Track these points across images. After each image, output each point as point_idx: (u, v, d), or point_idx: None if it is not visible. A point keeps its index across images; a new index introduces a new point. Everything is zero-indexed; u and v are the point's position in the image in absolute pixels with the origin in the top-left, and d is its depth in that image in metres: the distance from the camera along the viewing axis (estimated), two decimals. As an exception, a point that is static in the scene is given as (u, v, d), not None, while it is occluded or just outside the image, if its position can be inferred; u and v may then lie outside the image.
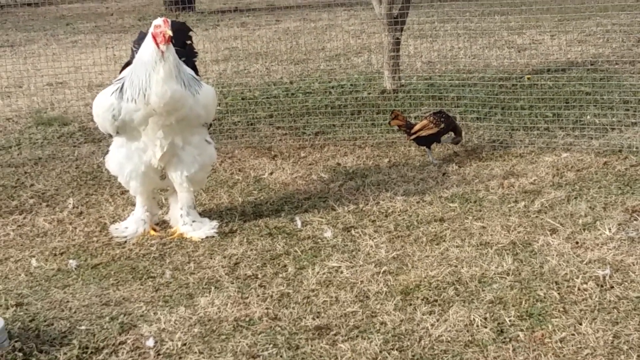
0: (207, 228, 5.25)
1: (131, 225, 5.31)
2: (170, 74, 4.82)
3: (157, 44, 4.81)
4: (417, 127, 6.32)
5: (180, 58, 5.00)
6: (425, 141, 6.37)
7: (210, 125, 5.41)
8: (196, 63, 5.55)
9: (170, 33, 4.77)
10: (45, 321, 4.21)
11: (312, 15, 13.19)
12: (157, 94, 4.81)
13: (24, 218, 5.72)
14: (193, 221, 5.27)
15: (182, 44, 5.34)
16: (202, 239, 5.16)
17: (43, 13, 15.68)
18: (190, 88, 4.94)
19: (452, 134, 6.45)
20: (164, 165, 5.14)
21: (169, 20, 4.84)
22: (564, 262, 4.53)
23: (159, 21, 4.83)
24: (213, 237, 5.18)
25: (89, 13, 15.38)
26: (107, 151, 5.30)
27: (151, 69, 4.82)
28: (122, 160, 5.14)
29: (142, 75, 4.84)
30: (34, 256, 5.07)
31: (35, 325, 4.16)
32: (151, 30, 4.84)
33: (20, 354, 3.85)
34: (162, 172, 5.23)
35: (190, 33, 5.61)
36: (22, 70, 9.50)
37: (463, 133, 6.57)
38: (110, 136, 5.18)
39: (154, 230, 5.34)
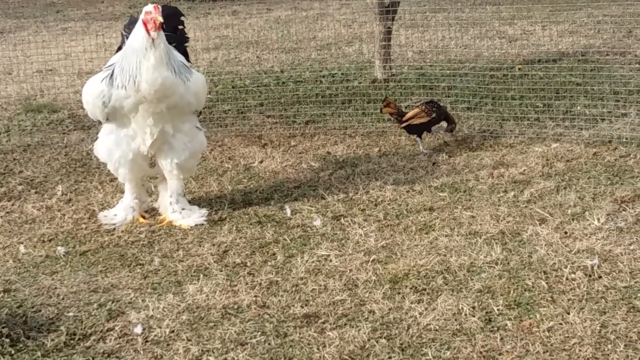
0: (196, 216, 5.24)
1: (120, 212, 5.29)
2: (160, 61, 4.80)
3: (147, 31, 4.79)
4: (408, 115, 6.32)
5: (171, 43, 4.98)
6: (416, 130, 6.37)
7: (200, 113, 5.39)
8: (187, 49, 5.53)
9: (161, 20, 4.75)
10: (32, 307, 4.20)
11: (303, 4, 13.14)
12: (147, 81, 4.79)
13: (13, 205, 5.70)
14: (182, 209, 5.26)
15: (173, 29, 5.32)
16: (191, 227, 5.15)
17: (33, 0, 15.59)
18: (180, 75, 4.92)
19: (443, 124, 6.45)
20: (154, 152, 5.12)
21: (160, 7, 4.82)
22: (553, 252, 4.53)
23: (149, 7, 4.80)
24: (202, 224, 5.17)
25: (80, 0, 15.30)
26: (97, 138, 5.28)
27: (142, 56, 4.80)
28: (111, 147, 5.12)
29: (132, 62, 4.82)
30: (22, 242, 5.05)
31: (22, 311, 4.15)
32: (142, 16, 4.81)
33: (8, 340, 3.84)
34: (152, 160, 5.21)
35: (182, 18, 5.58)
36: (12, 57, 9.45)
37: (456, 120, 6.57)
38: (100, 123, 5.15)
39: (143, 217, 5.32)
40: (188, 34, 5.63)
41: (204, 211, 5.30)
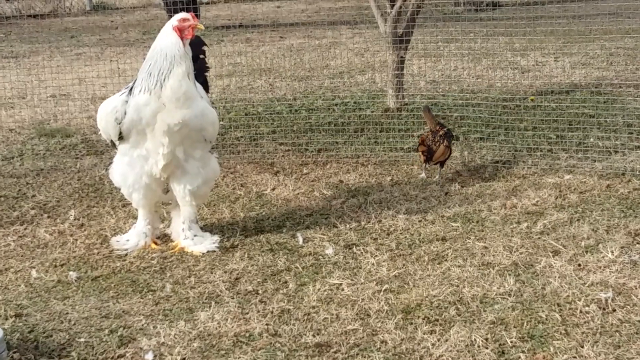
0: (208, 242, 5.24)
1: (132, 238, 5.30)
2: (188, 70, 4.89)
3: (182, 38, 4.84)
4: (437, 155, 6.28)
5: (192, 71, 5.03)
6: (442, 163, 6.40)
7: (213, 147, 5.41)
8: (207, 78, 5.58)
9: (202, 27, 4.86)
10: (44, 332, 4.19)
11: (316, 33, 13.21)
12: (172, 87, 4.83)
13: (25, 229, 5.70)
14: (194, 235, 5.26)
15: (194, 57, 5.35)
16: (203, 254, 5.15)
17: (48, 25, 15.72)
18: (198, 91, 5.00)
19: None
20: (168, 176, 5.13)
21: (194, 14, 4.90)
22: (566, 284, 4.51)
23: (186, 15, 4.85)
24: (214, 251, 5.17)
25: (94, 26, 15.41)
26: (111, 162, 5.29)
27: (175, 63, 4.84)
28: (125, 170, 5.13)
29: (164, 67, 4.85)
30: (34, 267, 5.05)
31: (34, 336, 4.15)
32: (174, 23, 4.86)
33: (19, 365, 3.84)
34: (165, 186, 5.22)
35: (204, 47, 5.64)
36: (26, 81, 9.51)
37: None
38: (113, 145, 5.17)
39: (155, 243, 5.32)
40: (209, 64, 5.69)
41: (216, 238, 5.30)
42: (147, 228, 5.30)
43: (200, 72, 5.47)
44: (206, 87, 5.53)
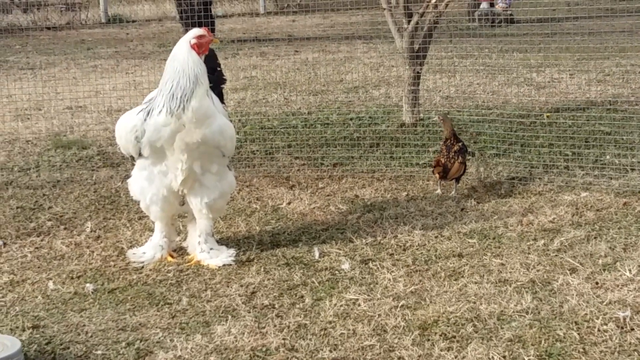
0: (224, 256, 5.24)
1: (149, 250, 5.31)
2: (207, 87, 4.92)
3: (199, 54, 4.86)
4: (452, 172, 6.30)
5: (209, 84, 5.04)
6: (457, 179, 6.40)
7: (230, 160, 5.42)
8: (223, 91, 5.60)
9: (218, 41, 4.87)
10: (61, 344, 4.20)
11: (331, 47, 13.24)
12: (194, 108, 4.85)
13: (42, 240, 5.72)
14: (211, 249, 5.26)
15: (211, 69, 5.38)
16: (219, 267, 5.15)
17: (64, 37, 15.81)
18: (217, 108, 5.03)
19: None
20: (187, 190, 5.14)
21: (207, 29, 4.91)
22: (584, 302, 4.49)
23: (201, 31, 4.86)
24: (230, 265, 5.17)
25: (110, 38, 15.49)
26: (129, 175, 5.32)
27: (199, 83, 4.86)
28: (143, 184, 5.15)
29: (187, 88, 4.86)
30: (51, 279, 5.06)
31: (51, 348, 4.16)
32: (191, 40, 4.87)
33: (36, 377, 3.84)
34: (182, 198, 5.23)
35: (218, 61, 5.67)
36: (42, 93, 9.55)
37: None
38: (133, 159, 5.19)
39: (172, 256, 5.33)
40: (225, 76, 5.72)
41: (232, 251, 5.30)
42: (163, 241, 5.31)
43: (217, 84, 5.50)
44: (222, 99, 5.56)
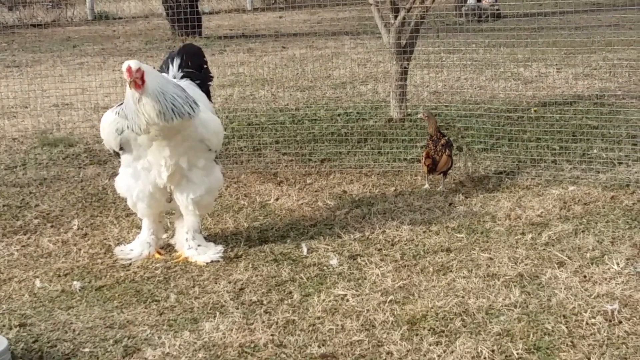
0: (212, 252, 5.23)
1: (136, 247, 5.29)
2: (154, 103, 4.74)
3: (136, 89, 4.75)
4: (440, 165, 6.30)
5: (195, 81, 5.01)
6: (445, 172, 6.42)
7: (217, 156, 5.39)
8: (211, 88, 5.58)
9: (137, 78, 4.68)
10: (48, 342, 4.18)
11: (318, 43, 13.23)
12: (147, 122, 4.77)
13: (29, 238, 5.69)
14: (198, 245, 5.24)
15: (198, 67, 5.37)
16: (206, 264, 5.13)
17: (50, 34, 15.74)
18: (186, 108, 4.85)
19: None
20: (173, 186, 5.12)
21: (132, 67, 4.69)
22: (572, 296, 4.50)
23: (124, 68, 4.70)
24: (218, 261, 5.15)
25: (96, 35, 15.42)
26: (116, 173, 5.29)
27: (137, 108, 4.77)
28: (130, 181, 5.13)
29: (130, 112, 4.82)
30: (37, 277, 5.04)
31: (38, 346, 4.13)
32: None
33: (23, 376, 3.82)
34: (170, 195, 5.21)
35: (205, 59, 5.65)
36: (28, 90, 9.50)
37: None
38: (117, 155, 5.16)
39: (159, 253, 5.31)
40: (212, 73, 5.69)
41: (220, 248, 5.29)
42: (151, 238, 5.29)
43: (204, 82, 5.50)
44: (209, 97, 5.54)
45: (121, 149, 5.05)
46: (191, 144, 5.00)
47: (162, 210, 5.39)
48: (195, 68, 5.22)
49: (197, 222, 5.28)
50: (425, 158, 6.31)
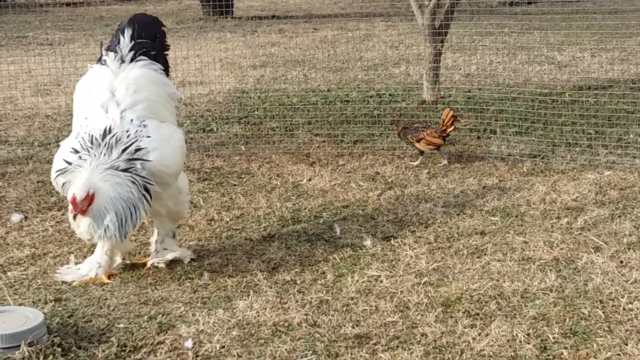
0: (177, 252, 4.88)
1: (84, 266, 4.81)
2: (89, 223, 4.45)
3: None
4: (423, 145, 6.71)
5: (150, 51, 4.84)
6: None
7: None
8: (167, 57, 5.15)
9: (83, 207, 4.39)
10: (83, 317, 4.20)
11: (349, 25, 13.17)
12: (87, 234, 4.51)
13: (63, 214, 5.71)
14: (164, 249, 4.89)
15: (152, 37, 5.00)
16: (168, 261, 4.81)
17: (82, 13, 15.79)
18: (117, 232, 4.47)
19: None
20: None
21: (76, 198, 4.36)
22: (609, 281, 4.45)
23: (69, 195, 4.41)
24: (181, 260, 4.86)
25: (127, 15, 15.41)
26: None
27: (72, 222, 4.53)
28: None
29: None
30: (72, 252, 5.06)
31: (73, 321, 4.15)
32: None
33: (59, 349, 3.83)
34: None
35: (163, 28, 5.17)
36: (62, 68, 9.54)
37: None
38: None
39: (109, 278, 4.74)
40: (168, 42, 5.23)
41: (188, 252, 4.96)
42: (103, 259, 4.77)
43: (160, 52, 5.06)
44: (166, 67, 5.10)
45: None
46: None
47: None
48: (149, 38, 4.90)
49: (169, 229, 4.92)
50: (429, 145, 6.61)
